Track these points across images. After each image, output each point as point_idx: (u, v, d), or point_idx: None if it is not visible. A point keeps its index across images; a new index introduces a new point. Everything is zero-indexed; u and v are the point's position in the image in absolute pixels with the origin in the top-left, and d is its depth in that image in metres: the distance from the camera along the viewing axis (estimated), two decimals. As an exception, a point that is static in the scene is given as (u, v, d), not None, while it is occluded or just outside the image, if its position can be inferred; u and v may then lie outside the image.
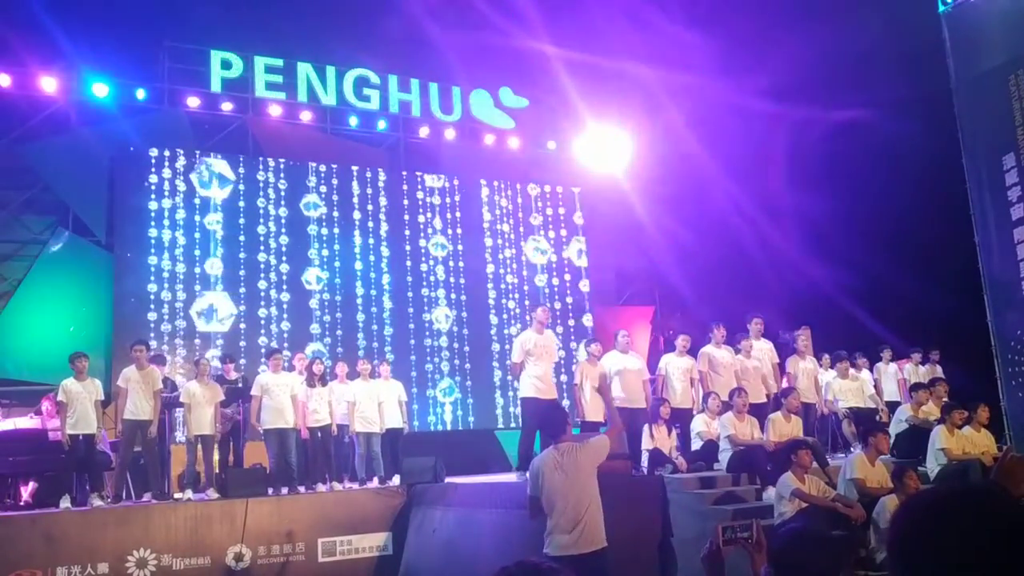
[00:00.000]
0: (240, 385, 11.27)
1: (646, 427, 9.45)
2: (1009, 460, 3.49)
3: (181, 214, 13.97)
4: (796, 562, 2.40)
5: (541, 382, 9.06)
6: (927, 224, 13.92)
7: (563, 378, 13.88)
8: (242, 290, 14.17)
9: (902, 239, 14.83)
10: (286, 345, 13.32)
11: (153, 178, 13.89)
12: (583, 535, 5.12)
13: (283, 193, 14.86)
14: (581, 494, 5.19)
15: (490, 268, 16.36)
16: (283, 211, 14.77)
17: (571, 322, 16.81)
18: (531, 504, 5.44)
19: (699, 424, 9.59)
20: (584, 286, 17.23)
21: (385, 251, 15.48)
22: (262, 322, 14.19)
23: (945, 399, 10.37)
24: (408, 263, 15.65)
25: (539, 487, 5.32)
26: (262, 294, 14.31)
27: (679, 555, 7.74)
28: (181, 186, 14.06)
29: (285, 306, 14.43)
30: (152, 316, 13.40)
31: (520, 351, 9.22)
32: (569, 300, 16.97)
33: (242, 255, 14.29)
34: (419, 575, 9.75)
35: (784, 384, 10.47)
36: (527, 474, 8.96)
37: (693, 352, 10.43)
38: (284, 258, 14.61)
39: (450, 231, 16.17)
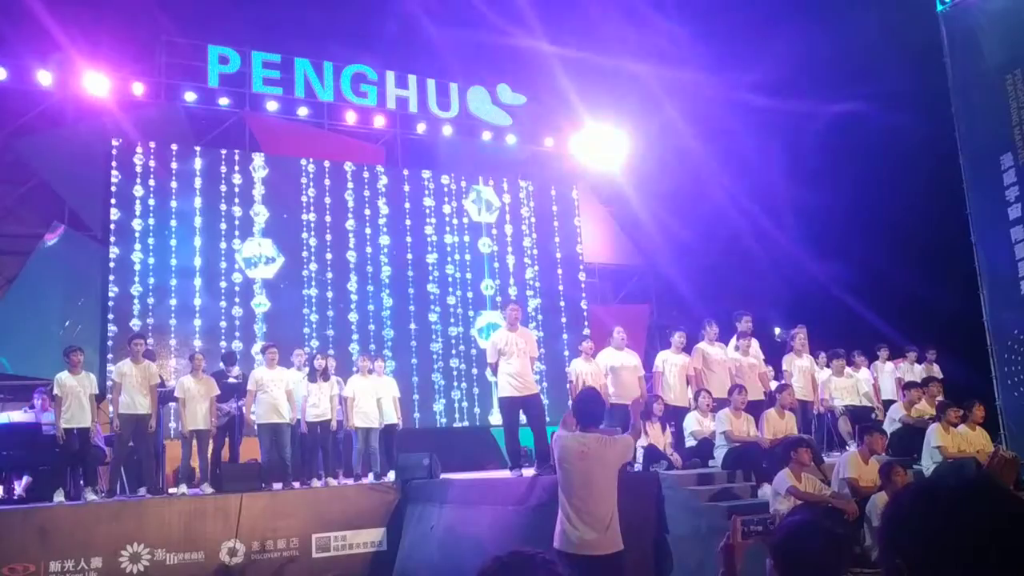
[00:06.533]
0: (240, 381, 11.25)
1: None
2: (997, 460, 3.48)
3: (176, 207, 13.96)
4: (798, 555, 2.35)
5: (516, 379, 9.01)
6: (925, 221, 13.94)
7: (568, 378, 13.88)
8: (255, 281, 14.16)
9: (901, 236, 14.84)
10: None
11: (150, 174, 13.87)
12: (605, 535, 4.96)
13: (278, 188, 14.84)
14: (603, 490, 5.02)
15: (486, 264, 16.36)
16: (278, 207, 14.76)
17: (565, 319, 16.80)
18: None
19: (692, 423, 9.58)
20: (580, 283, 17.21)
21: (384, 243, 15.46)
22: (256, 318, 14.19)
23: (939, 398, 10.36)
24: (409, 256, 15.64)
25: (557, 464, 5.21)
26: (255, 290, 14.31)
27: (674, 552, 7.74)
28: (175, 182, 14.04)
29: (276, 303, 14.41)
30: (146, 310, 13.40)
31: (493, 350, 9.18)
32: (564, 300, 16.97)
33: (230, 249, 14.28)
34: (415, 572, 9.73)
35: (781, 381, 10.45)
36: (521, 471, 9.02)
37: (688, 349, 10.43)
38: (280, 255, 14.59)
39: (448, 227, 16.17)
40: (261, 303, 14.32)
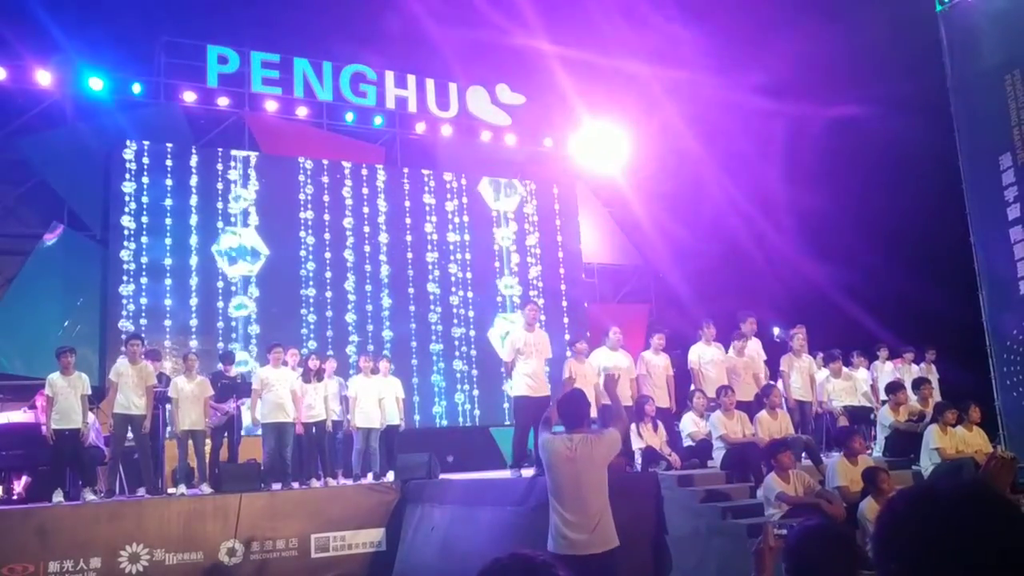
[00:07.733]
0: (239, 381, 11.24)
1: (632, 425, 9.42)
2: (994, 463, 3.48)
3: (174, 207, 13.95)
4: (810, 559, 2.34)
5: (532, 380, 9.06)
6: (924, 222, 13.92)
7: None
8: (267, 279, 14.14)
9: (900, 237, 14.83)
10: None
11: (147, 173, 13.87)
12: (598, 534, 4.95)
13: (276, 187, 14.84)
14: (593, 490, 5.02)
15: (486, 264, 16.35)
16: (276, 206, 14.76)
17: (567, 319, 16.79)
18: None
19: (688, 424, 9.60)
20: (580, 283, 17.21)
21: (384, 241, 15.46)
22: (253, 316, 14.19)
23: (931, 399, 10.35)
24: (409, 255, 15.62)
25: (546, 468, 5.22)
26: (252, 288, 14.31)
27: (673, 552, 7.75)
28: (173, 182, 14.04)
29: (273, 303, 14.41)
30: (144, 311, 13.40)
31: (510, 349, 9.23)
32: (566, 300, 16.96)
33: (220, 248, 14.27)
34: (415, 572, 9.73)
35: (779, 382, 10.45)
36: (520, 471, 9.03)
37: (670, 350, 10.47)
38: (281, 254, 14.59)
39: (450, 225, 16.17)
40: (258, 304, 14.31)
